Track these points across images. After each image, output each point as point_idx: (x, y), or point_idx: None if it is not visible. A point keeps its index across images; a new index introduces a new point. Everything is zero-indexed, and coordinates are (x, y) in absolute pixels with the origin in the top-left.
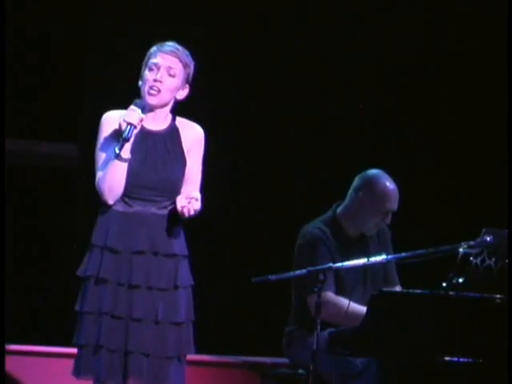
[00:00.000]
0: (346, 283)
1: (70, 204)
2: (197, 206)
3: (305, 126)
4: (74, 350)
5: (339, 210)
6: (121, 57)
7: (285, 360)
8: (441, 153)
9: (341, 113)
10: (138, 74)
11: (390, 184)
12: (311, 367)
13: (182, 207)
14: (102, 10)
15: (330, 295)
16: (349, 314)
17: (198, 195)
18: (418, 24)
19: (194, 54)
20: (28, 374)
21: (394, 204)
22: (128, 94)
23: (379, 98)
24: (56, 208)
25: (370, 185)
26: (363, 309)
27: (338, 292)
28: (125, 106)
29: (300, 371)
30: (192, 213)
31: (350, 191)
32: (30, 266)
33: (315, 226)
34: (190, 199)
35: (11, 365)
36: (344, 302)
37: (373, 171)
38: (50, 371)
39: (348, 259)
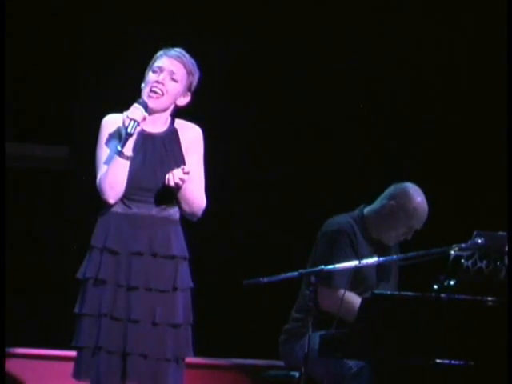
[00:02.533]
0: (368, 281)
1: (62, 206)
2: (180, 174)
3: (306, 129)
4: (74, 353)
5: (366, 211)
6: (114, 60)
7: (277, 362)
8: (434, 155)
9: (340, 114)
10: (130, 76)
11: (422, 203)
12: (302, 369)
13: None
14: (97, 14)
15: (338, 291)
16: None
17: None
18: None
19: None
20: (28, 377)
21: (420, 223)
22: (121, 97)
23: (377, 100)
24: (49, 210)
25: (404, 198)
26: None
27: (362, 289)
28: (118, 109)
29: (292, 373)
30: (177, 181)
31: (382, 197)
32: (26, 268)
33: (344, 219)
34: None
35: (12, 367)
36: (357, 299)
37: (410, 184)
38: (50, 374)
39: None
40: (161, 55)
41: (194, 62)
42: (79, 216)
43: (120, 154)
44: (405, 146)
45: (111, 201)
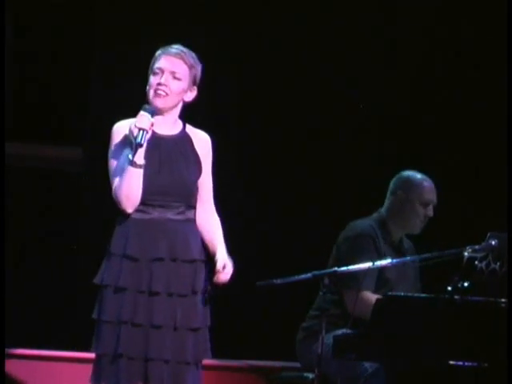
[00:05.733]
0: (390, 283)
1: (74, 207)
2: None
3: (325, 130)
4: (80, 355)
5: (384, 213)
6: (126, 60)
7: (291, 364)
8: (446, 155)
9: (342, 116)
10: (143, 77)
11: (424, 177)
12: (316, 371)
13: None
14: (109, 11)
15: (366, 294)
16: None
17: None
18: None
19: (200, 58)
20: (30, 378)
21: (432, 195)
22: (133, 96)
23: (392, 101)
24: (61, 211)
25: (406, 182)
26: None
27: (385, 291)
28: (130, 109)
29: (305, 375)
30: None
31: (388, 194)
32: (34, 268)
33: (366, 223)
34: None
35: (16, 369)
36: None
37: (406, 171)
38: (55, 375)
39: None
40: (159, 55)
41: (193, 54)
42: (93, 217)
43: (132, 163)
44: (422, 147)
45: (129, 210)
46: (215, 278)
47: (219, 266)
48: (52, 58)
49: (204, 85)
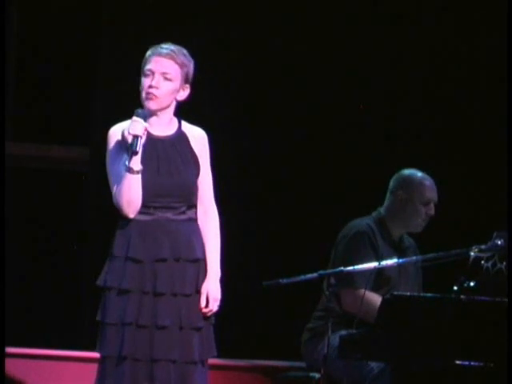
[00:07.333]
0: (392, 281)
1: (82, 207)
2: (207, 310)
3: (330, 129)
4: (83, 354)
5: (383, 211)
6: (131, 60)
7: (297, 363)
8: (451, 155)
9: (343, 116)
10: None
11: (424, 176)
12: (322, 371)
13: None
14: (114, 12)
15: (360, 292)
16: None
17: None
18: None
19: (201, 57)
20: (35, 378)
21: (433, 194)
22: (138, 96)
23: (390, 101)
24: (68, 211)
25: (407, 181)
26: None
27: (387, 290)
28: (136, 108)
29: (311, 374)
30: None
31: (388, 194)
32: (39, 269)
33: (364, 222)
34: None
35: (18, 368)
36: (378, 298)
37: (406, 170)
38: (58, 374)
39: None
40: (149, 56)
41: (184, 51)
42: (100, 217)
43: (129, 170)
44: (421, 146)
45: (131, 216)
46: (202, 310)
47: (201, 304)
48: (57, 58)
49: (203, 82)
